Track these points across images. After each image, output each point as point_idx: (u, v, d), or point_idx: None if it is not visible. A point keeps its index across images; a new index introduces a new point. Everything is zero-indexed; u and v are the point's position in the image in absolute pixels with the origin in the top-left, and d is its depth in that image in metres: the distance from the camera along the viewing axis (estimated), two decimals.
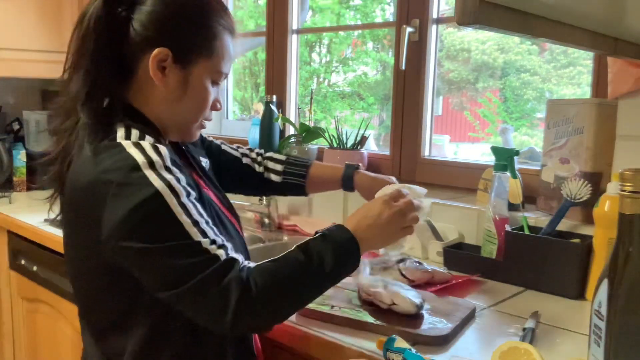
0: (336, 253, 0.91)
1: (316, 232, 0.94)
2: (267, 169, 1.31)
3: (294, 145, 1.96)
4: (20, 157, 2.33)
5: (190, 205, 0.86)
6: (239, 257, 0.88)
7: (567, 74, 2.44)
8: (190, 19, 0.96)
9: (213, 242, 0.86)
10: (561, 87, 2.48)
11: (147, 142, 0.89)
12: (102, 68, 0.93)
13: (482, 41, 2.77)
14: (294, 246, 0.92)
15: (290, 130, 2.05)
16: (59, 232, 1.71)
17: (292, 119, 2.15)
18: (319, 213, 1.86)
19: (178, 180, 0.86)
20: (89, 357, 1.01)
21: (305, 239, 0.93)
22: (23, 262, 1.88)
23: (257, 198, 1.83)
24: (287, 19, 2.15)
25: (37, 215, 1.88)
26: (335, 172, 1.28)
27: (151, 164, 0.85)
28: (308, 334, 1.03)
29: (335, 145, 1.87)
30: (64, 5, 2.38)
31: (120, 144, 0.88)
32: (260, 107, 2.37)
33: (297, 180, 1.29)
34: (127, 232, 0.84)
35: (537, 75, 2.68)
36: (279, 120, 2.05)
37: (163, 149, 0.89)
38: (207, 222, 0.88)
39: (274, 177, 1.30)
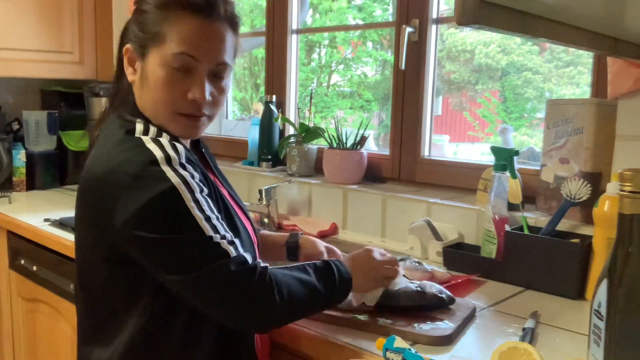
0: (335, 283, 0.99)
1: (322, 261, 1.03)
2: None
3: (294, 145, 1.96)
4: (19, 157, 2.33)
5: (202, 201, 0.89)
6: (247, 255, 0.91)
7: (567, 74, 2.44)
8: (140, 11, 1.00)
9: (223, 237, 0.89)
10: (561, 87, 2.47)
11: (165, 139, 0.93)
12: (118, 74, 1.04)
13: (486, 44, 2.76)
14: (304, 265, 0.99)
15: (290, 130, 2.05)
16: (59, 232, 1.71)
17: (292, 119, 2.15)
18: (318, 213, 1.86)
19: (192, 176, 0.90)
20: (87, 345, 1.02)
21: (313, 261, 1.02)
22: (23, 262, 1.88)
23: (257, 198, 1.83)
24: (287, 19, 2.15)
25: (36, 215, 1.88)
26: (279, 238, 1.30)
27: (168, 160, 0.89)
28: (308, 334, 1.03)
29: (335, 145, 1.87)
30: (64, 5, 2.39)
31: (140, 139, 0.93)
32: (260, 107, 2.37)
33: None
34: (142, 222, 0.87)
35: (538, 74, 2.68)
36: (279, 120, 2.05)
37: (180, 146, 0.93)
38: (217, 218, 0.91)
39: None
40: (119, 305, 0.95)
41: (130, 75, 1.01)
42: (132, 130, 0.95)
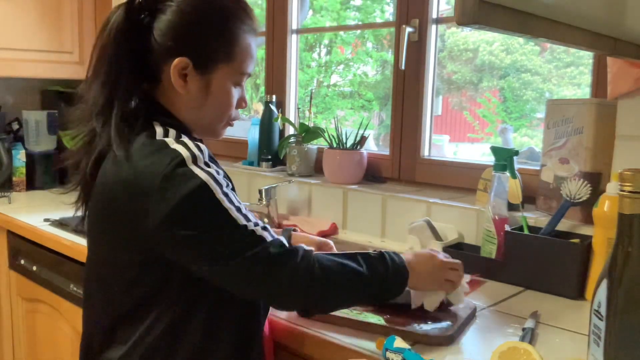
0: (388, 273, 0.98)
1: (375, 250, 1.02)
2: None
3: (294, 145, 1.96)
4: (19, 157, 2.33)
5: (231, 195, 0.92)
6: (282, 239, 0.94)
7: (568, 74, 2.44)
8: (208, 27, 0.99)
9: (256, 224, 0.92)
10: (561, 88, 2.47)
11: (187, 139, 0.95)
12: (123, 76, 0.98)
13: (489, 42, 2.76)
14: (354, 252, 0.99)
15: (290, 130, 2.05)
16: (58, 232, 1.71)
17: (292, 119, 2.15)
18: (318, 213, 1.86)
19: (217, 172, 0.93)
20: (103, 343, 1.02)
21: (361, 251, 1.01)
22: (23, 262, 1.89)
23: (257, 198, 1.83)
24: (287, 19, 2.15)
25: (36, 215, 1.88)
26: None
27: (194, 159, 0.91)
28: (308, 333, 1.03)
29: (335, 145, 1.87)
30: (63, 5, 2.38)
31: (163, 141, 0.94)
32: (260, 107, 2.37)
33: None
34: (178, 221, 0.88)
35: (538, 75, 2.68)
36: (279, 120, 2.05)
37: (203, 146, 0.95)
38: (245, 208, 0.94)
39: None
40: (141, 302, 0.96)
41: (181, 88, 0.99)
42: (153, 134, 0.96)
